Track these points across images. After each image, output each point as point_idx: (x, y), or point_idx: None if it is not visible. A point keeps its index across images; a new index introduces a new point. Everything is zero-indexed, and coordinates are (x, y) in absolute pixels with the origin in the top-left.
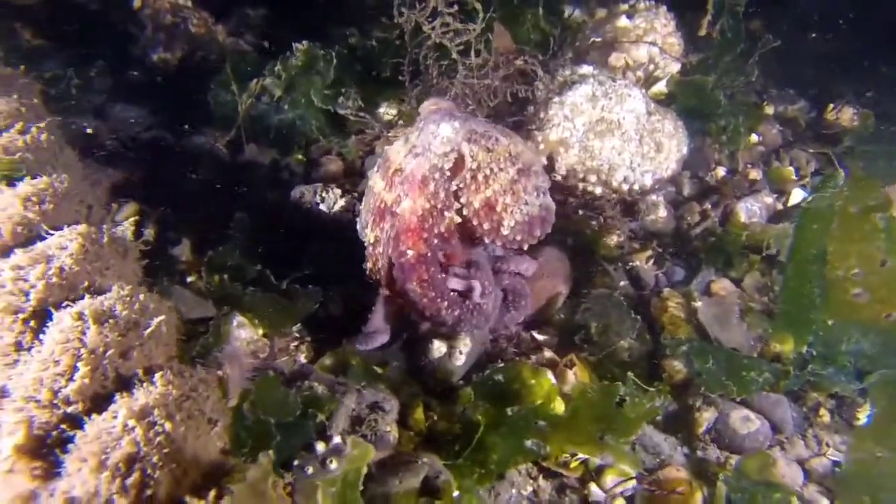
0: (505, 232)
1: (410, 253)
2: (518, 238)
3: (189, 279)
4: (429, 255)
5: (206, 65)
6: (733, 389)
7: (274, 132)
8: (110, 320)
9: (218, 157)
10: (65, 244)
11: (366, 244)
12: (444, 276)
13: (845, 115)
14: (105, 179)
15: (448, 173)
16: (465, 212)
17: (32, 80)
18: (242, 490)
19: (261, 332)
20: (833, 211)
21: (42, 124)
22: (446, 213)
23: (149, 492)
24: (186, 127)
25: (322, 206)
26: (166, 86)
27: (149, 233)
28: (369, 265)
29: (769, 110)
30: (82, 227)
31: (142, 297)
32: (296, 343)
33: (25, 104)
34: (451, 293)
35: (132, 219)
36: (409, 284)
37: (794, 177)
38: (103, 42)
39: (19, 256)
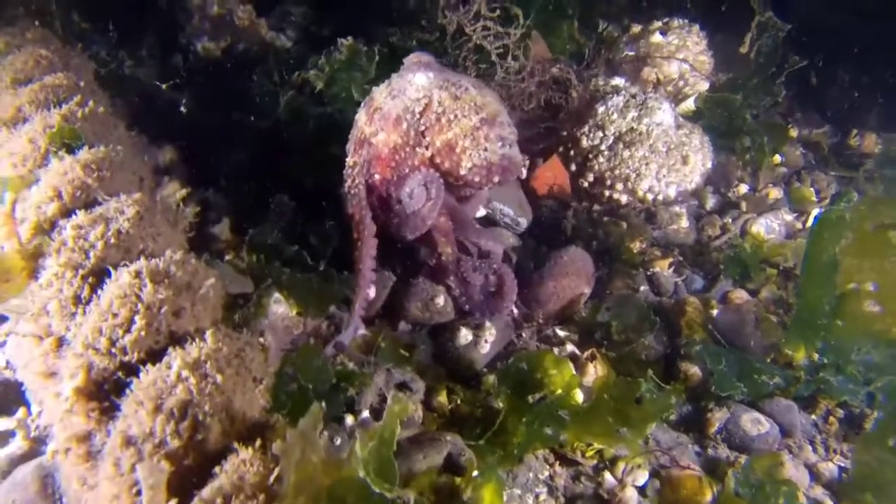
0: (462, 172)
1: (377, 177)
2: (476, 179)
3: (227, 257)
4: (393, 179)
5: (249, 56)
6: (744, 391)
7: (313, 123)
8: (165, 280)
9: (258, 144)
10: (122, 209)
11: (346, 168)
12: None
13: (868, 141)
14: (149, 159)
15: (419, 115)
16: (429, 150)
17: (87, 59)
18: (295, 435)
19: (295, 311)
20: (845, 221)
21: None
22: (418, 149)
23: (200, 436)
24: (228, 114)
25: None
26: (210, 73)
27: (190, 211)
28: (348, 183)
29: (793, 133)
30: (138, 195)
31: (193, 261)
32: (327, 323)
33: (83, 80)
34: (398, 206)
35: (181, 192)
36: (371, 199)
37: (814, 198)
38: (150, 28)
39: (80, 217)
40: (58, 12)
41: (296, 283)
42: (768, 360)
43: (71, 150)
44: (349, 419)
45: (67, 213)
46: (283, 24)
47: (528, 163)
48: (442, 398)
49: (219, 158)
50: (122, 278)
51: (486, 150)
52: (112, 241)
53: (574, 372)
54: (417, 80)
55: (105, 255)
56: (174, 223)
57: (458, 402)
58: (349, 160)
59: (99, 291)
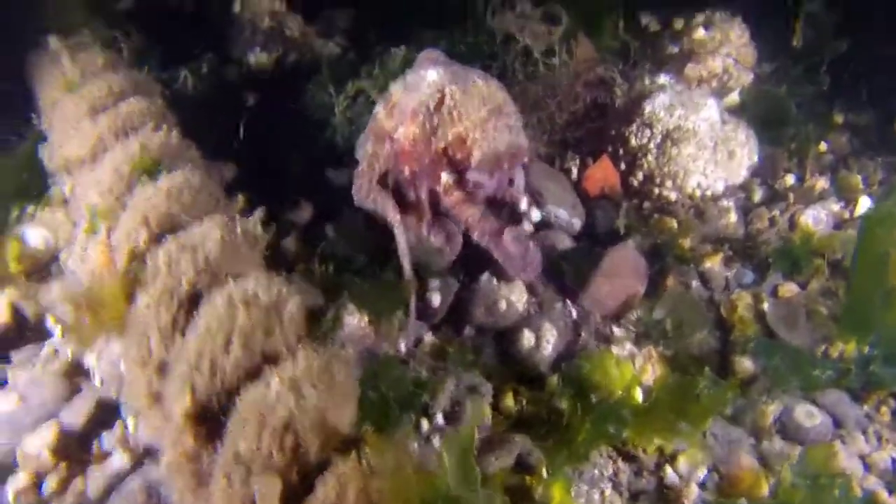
0: (473, 163)
1: (407, 171)
2: (487, 168)
3: (296, 269)
4: (418, 171)
5: (300, 66)
6: (798, 385)
7: None
8: (256, 303)
9: (316, 154)
10: (207, 234)
11: (364, 155)
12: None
13: None
14: (216, 174)
15: (433, 109)
16: (442, 143)
17: (154, 81)
18: (390, 446)
19: (367, 319)
20: (895, 217)
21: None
22: (432, 140)
23: (302, 451)
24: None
25: None
26: (263, 86)
27: (267, 232)
28: (363, 166)
29: (839, 119)
30: (219, 218)
31: (277, 282)
32: (398, 330)
33: (153, 103)
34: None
35: (260, 212)
36: (409, 193)
37: (861, 185)
38: (200, 44)
39: (170, 244)
40: (123, 39)
41: (368, 292)
42: (820, 353)
43: (152, 176)
44: (424, 424)
45: (156, 239)
46: (331, 30)
47: (578, 162)
48: (508, 400)
49: (280, 171)
50: (216, 303)
51: (494, 139)
52: (202, 266)
53: (634, 371)
54: (429, 77)
55: (196, 281)
56: (254, 243)
57: (524, 403)
58: (367, 148)
59: (194, 315)
